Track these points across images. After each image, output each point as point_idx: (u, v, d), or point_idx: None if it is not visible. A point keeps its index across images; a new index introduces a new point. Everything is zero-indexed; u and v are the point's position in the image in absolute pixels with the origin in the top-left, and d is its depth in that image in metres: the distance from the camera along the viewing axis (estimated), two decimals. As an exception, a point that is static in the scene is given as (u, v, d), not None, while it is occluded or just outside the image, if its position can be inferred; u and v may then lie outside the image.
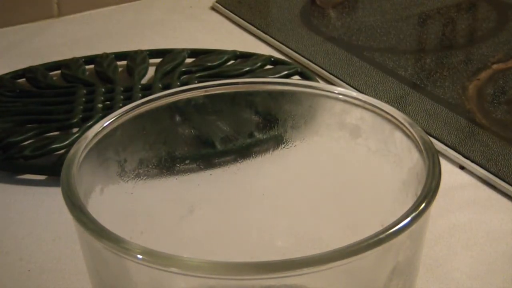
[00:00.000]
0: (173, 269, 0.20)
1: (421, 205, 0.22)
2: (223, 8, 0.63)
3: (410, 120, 0.26)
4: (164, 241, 0.28)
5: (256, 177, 0.31)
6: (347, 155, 0.29)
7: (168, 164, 0.29)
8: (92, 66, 0.53)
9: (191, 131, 0.30)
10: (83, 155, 0.25)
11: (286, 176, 0.31)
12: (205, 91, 0.30)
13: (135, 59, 0.53)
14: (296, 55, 0.55)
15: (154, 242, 0.23)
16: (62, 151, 0.42)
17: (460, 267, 0.34)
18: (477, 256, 0.35)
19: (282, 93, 0.30)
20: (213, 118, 0.31)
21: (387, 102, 0.30)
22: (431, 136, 0.43)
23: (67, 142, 0.42)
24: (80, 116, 0.46)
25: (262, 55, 0.53)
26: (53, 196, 0.39)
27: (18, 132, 0.44)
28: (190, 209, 0.30)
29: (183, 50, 0.54)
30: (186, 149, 0.30)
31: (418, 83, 0.50)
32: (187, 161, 0.30)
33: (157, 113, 0.29)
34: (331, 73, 0.52)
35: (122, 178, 0.28)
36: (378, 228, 0.21)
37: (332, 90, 0.29)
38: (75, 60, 0.53)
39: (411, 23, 0.60)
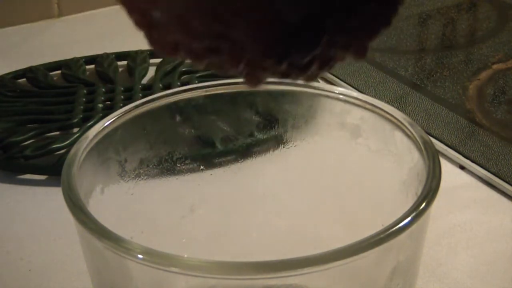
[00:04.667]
0: (173, 269, 0.20)
1: (421, 205, 0.22)
2: (223, 8, 0.63)
3: (410, 120, 0.26)
4: (164, 241, 0.28)
5: (257, 177, 0.31)
6: (347, 155, 0.29)
7: (169, 164, 0.30)
8: (92, 66, 0.53)
9: (192, 131, 0.31)
10: (83, 155, 0.25)
11: (286, 176, 0.31)
12: (205, 91, 0.30)
13: (136, 59, 0.53)
14: (297, 55, 0.55)
15: (154, 242, 0.23)
16: (63, 151, 0.42)
17: (460, 267, 0.34)
18: (478, 256, 0.35)
19: (283, 93, 0.30)
20: (213, 118, 0.31)
21: (387, 102, 0.30)
22: (431, 136, 0.43)
23: (67, 142, 0.42)
24: (81, 116, 0.46)
25: (263, 55, 0.53)
26: (54, 196, 0.39)
27: (18, 132, 0.44)
28: (191, 209, 0.30)
29: (183, 50, 0.54)
30: (187, 149, 0.30)
31: (418, 83, 0.50)
32: (187, 161, 0.30)
33: (158, 113, 0.29)
34: (331, 73, 0.52)
35: (123, 178, 0.28)
36: (379, 227, 0.21)
37: (332, 90, 0.29)
38: (75, 60, 0.53)
39: (411, 23, 0.60)
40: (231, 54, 0.17)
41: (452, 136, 0.44)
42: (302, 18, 0.16)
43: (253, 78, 0.18)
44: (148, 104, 0.28)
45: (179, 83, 0.49)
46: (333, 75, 0.51)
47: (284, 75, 0.18)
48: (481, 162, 0.41)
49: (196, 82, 0.49)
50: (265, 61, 0.17)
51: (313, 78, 0.19)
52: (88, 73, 0.52)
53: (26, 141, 0.43)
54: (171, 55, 0.18)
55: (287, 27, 0.16)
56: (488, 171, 0.40)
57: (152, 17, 0.18)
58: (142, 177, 0.28)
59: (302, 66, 0.18)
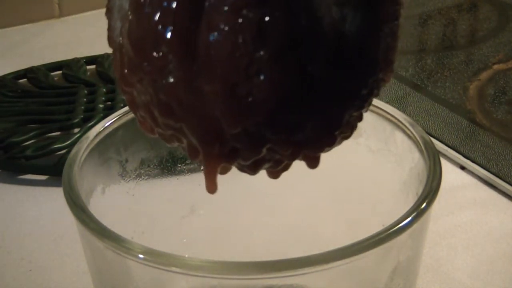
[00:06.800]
0: (174, 269, 0.20)
1: (422, 205, 0.22)
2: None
3: (411, 120, 0.26)
4: (165, 241, 0.28)
5: (257, 177, 0.31)
6: (348, 155, 0.29)
7: (169, 164, 0.30)
8: (93, 66, 0.53)
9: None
10: (84, 155, 0.25)
11: (286, 176, 0.31)
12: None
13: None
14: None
15: (155, 241, 0.23)
16: (64, 151, 0.42)
17: (460, 267, 0.34)
18: (478, 256, 0.35)
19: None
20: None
21: (388, 102, 0.30)
22: (431, 136, 0.43)
23: (68, 142, 0.42)
24: (81, 116, 0.46)
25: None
26: (55, 196, 0.39)
27: (19, 132, 0.44)
28: (191, 209, 0.30)
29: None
30: (187, 149, 0.30)
31: (419, 83, 0.50)
32: (188, 161, 0.30)
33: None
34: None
35: (124, 178, 0.28)
36: (379, 227, 0.21)
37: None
38: (76, 61, 0.53)
39: (412, 23, 0.60)
40: (189, 147, 0.19)
41: (453, 136, 0.44)
42: (241, 131, 0.17)
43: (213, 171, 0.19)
44: (149, 104, 0.28)
45: (179, 84, 0.49)
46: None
47: (241, 171, 0.19)
48: (481, 162, 0.41)
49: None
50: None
51: (275, 175, 0.20)
52: (89, 73, 0.52)
53: (27, 141, 0.43)
54: (150, 133, 0.19)
55: (227, 135, 0.18)
56: (489, 171, 0.40)
57: (133, 96, 0.19)
58: (143, 177, 0.29)
59: (250, 166, 0.19)
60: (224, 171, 0.20)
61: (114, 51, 0.19)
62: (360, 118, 0.19)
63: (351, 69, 0.18)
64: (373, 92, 0.19)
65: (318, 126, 0.18)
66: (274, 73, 0.17)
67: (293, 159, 0.19)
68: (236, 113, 0.17)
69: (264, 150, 0.18)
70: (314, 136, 0.18)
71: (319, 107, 0.18)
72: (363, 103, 0.19)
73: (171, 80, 0.17)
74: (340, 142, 0.19)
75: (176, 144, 0.19)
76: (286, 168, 0.20)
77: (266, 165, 0.19)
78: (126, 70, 0.18)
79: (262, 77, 0.17)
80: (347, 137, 0.19)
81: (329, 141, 0.19)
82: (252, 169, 0.19)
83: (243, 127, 0.17)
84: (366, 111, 0.19)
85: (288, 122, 0.18)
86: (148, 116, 0.19)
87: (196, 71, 0.17)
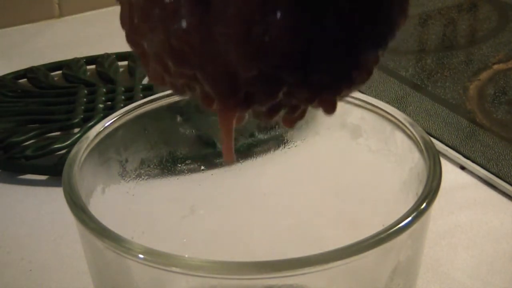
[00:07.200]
0: (174, 269, 0.20)
1: (422, 205, 0.22)
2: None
3: (411, 120, 0.26)
4: (165, 241, 0.28)
5: (257, 177, 0.31)
6: (348, 155, 0.29)
7: (170, 164, 0.30)
8: (93, 66, 0.53)
9: (192, 131, 0.31)
10: (84, 155, 0.25)
11: (287, 176, 0.31)
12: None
13: (136, 60, 0.53)
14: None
15: (155, 242, 0.23)
16: (64, 151, 0.42)
17: (461, 267, 0.34)
18: (478, 256, 0.35)
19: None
20: (214, 118, 0.31)
21: (388, 102, 0.30)
22: (431, 136, 0.43)
23: (68, 142, 0.42)
24: (81, 116, 0.46)
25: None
26: (55, 196, 0.39)
27: (19, 132, 0.44)
28: (191, 209, 0.30)
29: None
30: (187, 149, 0.30)
31: (419, 83, 0.50)
32: (188, 161, 0.30)
33: (158, 113, 0.29)
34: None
35: (124, 178, 0.28)
36: (379, 227, 0.21)
37: (333, 90, 0.29)
38: (76, 61, 0.53)
39: (412, 24, 0.60)
40: (203, 94, 0.18)
41: (453, 136, 0.44)
42: (256, 74, 0.17)
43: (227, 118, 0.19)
44: (149, 104, 0.28)
45: (179, 83, 0.49)
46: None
47: (257, 118, 0.19)
48: (481, 162, 0.41)
49: (197, 82, 0.49)
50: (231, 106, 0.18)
51: (290, 123, 0.20)
52: (89, 73, 0.52)
53: (27, 141, 0.43)
54: (161, 85, 0.19)
55: (243, 79, 0.17)
56: (489, 171, 0.40)
57: (143, 48, 0.18)
58: (143, 177, 0.29)
59: (266, 111, 0.18)
60: (239, 120, 0.19)
61: (122, 4, 0.19)
62: (376, 62, 0.19)
63: (365, 8, 0.17)
64: (389, 34, 0.18)
65: (334, 66, 0.18)
66: (290, 11, 0.16)
67: (310, 103, 0.19)
68: (251, 54, 0.17)
69: (281, 94, 0.18)
70: (331, 77, 0.18)
71: (335, 46, 0.17)
72: (379, 44, 0.18)
73: (184, 25, 0.17)
74: (357, 87, 0.19)
75: (188, 94, 0.19)
76: (302, 115, 0.19)
77: (282, 112, 0.19)
78: (136, 20, 0.18)
79: (278, 15, 0.16)
80: (363, 81, 0.19)
81: (347, 82, 0.18)
82: (268, 116, 0.19)
83: (259, 69, 0.17)
84: (383, 55, 0.19)
85: (304, 63, 0.17)
86: (159, 66, 0.18)
87: (209, 13, 0.17)
